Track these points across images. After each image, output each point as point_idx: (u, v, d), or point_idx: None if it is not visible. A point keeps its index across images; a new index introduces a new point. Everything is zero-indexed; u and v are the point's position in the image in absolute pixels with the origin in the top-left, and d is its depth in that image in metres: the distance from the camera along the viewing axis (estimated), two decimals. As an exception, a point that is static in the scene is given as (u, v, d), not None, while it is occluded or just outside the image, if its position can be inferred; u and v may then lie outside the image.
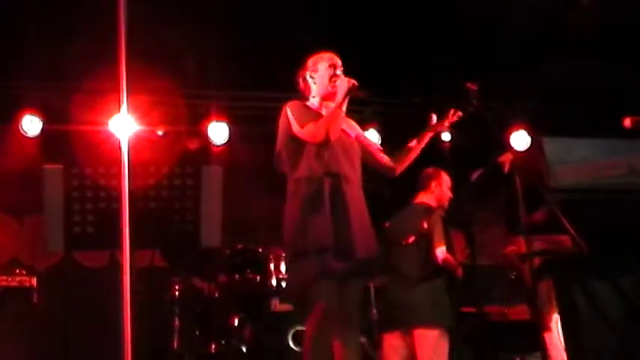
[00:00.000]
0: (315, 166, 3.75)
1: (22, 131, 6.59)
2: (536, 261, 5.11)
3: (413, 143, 4.16)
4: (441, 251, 4.93)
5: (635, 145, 6.21)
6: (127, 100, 2.75)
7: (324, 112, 3.89)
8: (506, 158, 5.22)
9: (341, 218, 3.66)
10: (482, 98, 4.31)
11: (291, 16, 6.10)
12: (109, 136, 6.23)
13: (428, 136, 4.19)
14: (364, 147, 4.07)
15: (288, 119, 3.85)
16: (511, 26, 6.29)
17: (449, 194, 5.28)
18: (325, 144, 3.72)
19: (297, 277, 3.82)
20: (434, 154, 7.26)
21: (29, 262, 6.86)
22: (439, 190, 5.26)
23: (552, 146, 6.56)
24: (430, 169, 5.35)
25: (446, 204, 5.25)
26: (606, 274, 4.35)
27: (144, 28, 3.88)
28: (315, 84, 3.97)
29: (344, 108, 3.75)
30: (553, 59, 6.48)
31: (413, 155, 4.17)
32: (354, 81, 3.76)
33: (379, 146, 4.28)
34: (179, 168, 5.66)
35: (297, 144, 3.82)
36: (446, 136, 7.51)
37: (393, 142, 6.99)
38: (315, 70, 3.97)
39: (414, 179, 5.34)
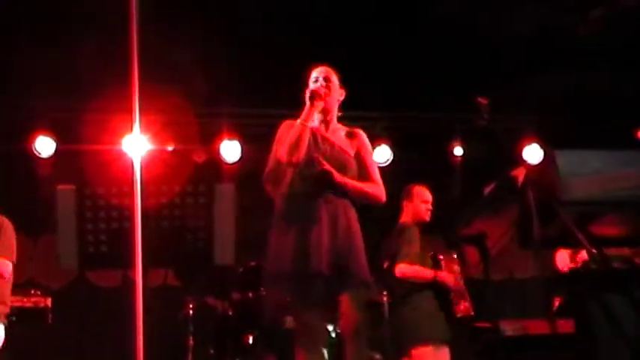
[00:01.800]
0: (294, 186, 3.64)
1: (35, 152, 6.61)
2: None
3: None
4: (398, 269, 4.85)
5: (648, 156, 6.21)
6: (140, 120, 2.76)
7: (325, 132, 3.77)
8: (519, 172, 5.20)
9: (310, 239, 3.49)
10: (493, 111, 4.29)
11: (303, 34, 6.12)
12: (122, 155, 6.25)
13: None
14: (362, 168, 3.78)
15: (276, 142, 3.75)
16: (522, 38, 6.28)
17: (425, 207, 5.15)
18: (291, 164, 3.60)
19: (271, 301, 3.64)
20: (445, 167, 7.32)
21: (44, 282, 6.88)
22: (411, 205, 5.15)
23: (565, 159, 6.55)
24: (406, 187, 5.24)
25: (424, 217, 5.14)
26: (621, 288, 4.32)
27: (156, 48, 3.90)
28: None
29: (311, 122, 3.63)
30: (564, 70, 6.46)
31: None
32: (313, 88, 3.65)
33: (375, 178, 3.79)
34: (191, 186, 5.66)
35: (282, 165, 3.69)
36: (458, 150, 7.49)
37: (404, 158, 7.03)
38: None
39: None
